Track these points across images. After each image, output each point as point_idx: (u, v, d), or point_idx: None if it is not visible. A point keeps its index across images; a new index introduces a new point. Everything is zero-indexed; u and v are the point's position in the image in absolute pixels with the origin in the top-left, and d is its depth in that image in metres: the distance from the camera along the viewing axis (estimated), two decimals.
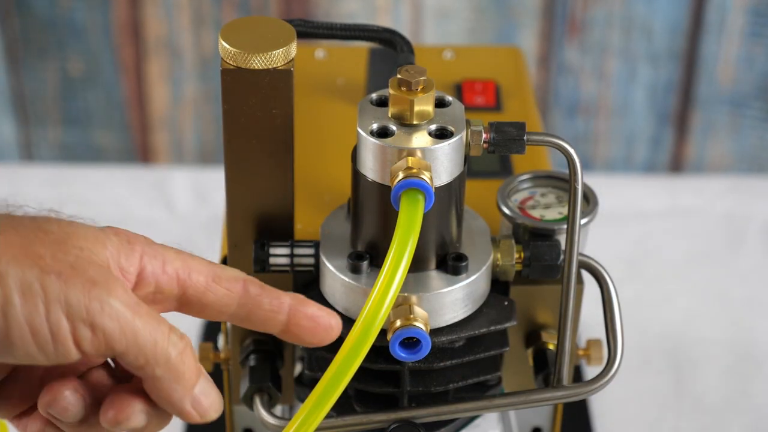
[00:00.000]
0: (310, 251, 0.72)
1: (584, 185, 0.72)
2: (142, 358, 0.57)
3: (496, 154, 0.68)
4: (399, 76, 0.66)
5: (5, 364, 0.60)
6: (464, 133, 0.67)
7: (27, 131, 1.33)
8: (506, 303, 0.73)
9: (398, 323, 0.67)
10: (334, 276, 0.70)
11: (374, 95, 0.69)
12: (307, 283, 0.74)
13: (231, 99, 0.68)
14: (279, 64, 0.67)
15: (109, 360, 0.62)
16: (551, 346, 0.76)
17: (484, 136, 0.67)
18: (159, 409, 0.60)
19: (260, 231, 0.73)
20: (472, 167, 0.79)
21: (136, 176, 1.30)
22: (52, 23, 1.26)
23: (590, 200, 0.76)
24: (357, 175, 0.68)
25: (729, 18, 1.26)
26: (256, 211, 0.73)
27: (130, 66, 1.29)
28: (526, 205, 0.77)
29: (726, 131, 1.33)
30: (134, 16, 1.26)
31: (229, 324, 0.77)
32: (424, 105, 0.66)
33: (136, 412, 0.59)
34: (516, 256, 0.73)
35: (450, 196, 0.68)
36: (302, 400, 0.75)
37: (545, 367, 0.75)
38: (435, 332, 0.70)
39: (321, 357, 0.72)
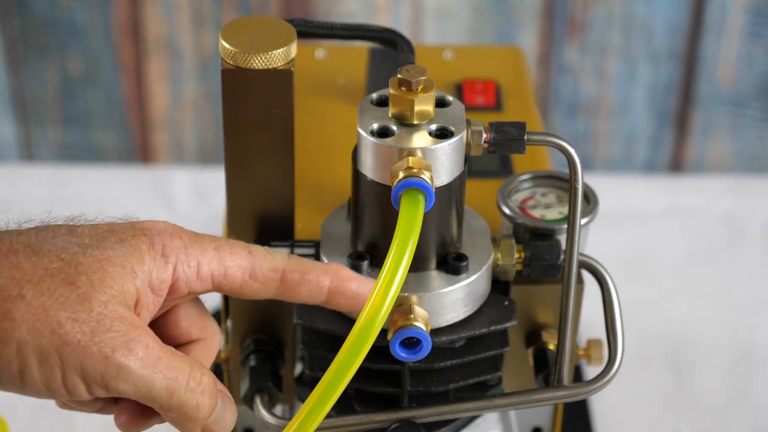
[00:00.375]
0: (311, 251, 0.72)
1: (584, 185, 0.72)
2: (156, 405, 0.59)
3: (497, 153, 0.68)
4: (399, 75, 0.66)
5: None
6: (464, 133, 0.67)
7: (27, 131, 1.33)
8: (506, 303, 0.73)
9: (399, 323, 0.67)
10: None
11: (375, 95, 0.69)
12: None
13: (231, 99, 0.68)
14: (279, 64, 0.67)
15: None
16: (551, 346, 0.76)
17: (484, 135, 0.67)
18: None
19: (260, 231, 0.73)
20: (472, 167, 0.79)
21: (136, 176, 1.30)
22: (52, 23, 1.26)
23: (590, 200, 0.76)
24: (357, 175, 0.68)
25: (729, 18, 1.26)
26: (256, 210, 0.73)
27: (130, 66, 1.29)
28: (527, 205, 0.77)
29: (726, 131, 1.33)
30: (134, 16, 1.26)
31: (229, 324, 0.77)
32: (424, 105, 0.66)
33: (146, 422, 0.61)
34: (516, 255, 0.72)
35: (450, 195, 0.68)
36: (303, 400, 0.75)
37: (545, 367, 0.75)
38: (435, 332, 0.70)
39: (321, 357, 0.72)
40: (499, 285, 0.74)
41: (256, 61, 0.67)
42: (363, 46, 0.92)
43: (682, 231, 1.24)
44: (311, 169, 0.82)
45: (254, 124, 0.69)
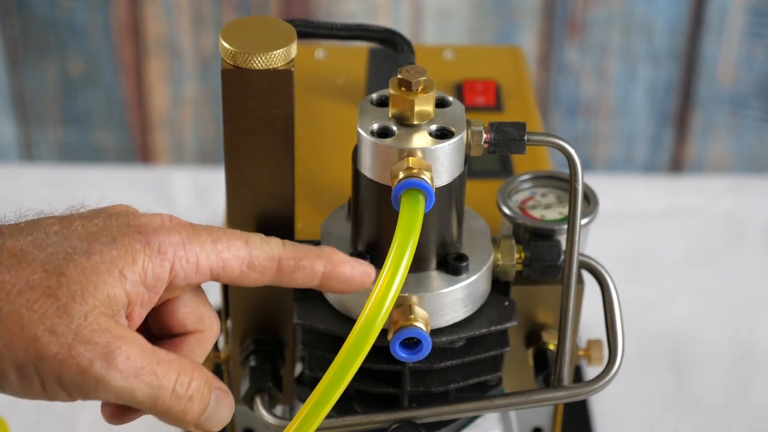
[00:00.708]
0: None
1: (585, 185, 0.72)
2: (142, 408, 0.59)
3: (497, 154, 0.68)
4: (399, 76, 0.66)
5: None
6: (465, 134, 0.67)
7: (27, 131, 1.33)
8: (507, 303, 0.73)
9: (399, 323, 0.67)
10: None
11: (375, 95, 0.69)
12: None
13: (231, 99, 0.68)
14: (279, 64, 0.67)
15: None
16: (552, 347, 0.76)
17: (484, 136, 0.67)
18: None
19: (260, 231, 0.73)
20: (472, 167, 0.79)
21: (136, 176, 1.30)
22: (52, 23, 1.26)
23: (591, 200, 0.76)
24: (357, 175, 0.68)
25: (729, 18, 1.26)
26: (256, 211, 0.73)
27: (130, 66, 1.29)
28: (527, 205, 0.77)
29: (726, 131, 1.33)
30: (134, 16, 1.26)
31: (229, 324, 0.77)
32: (424, 105, 0.66)
33: (131, 415, 0.61)
34: (516, 256, 0.72)
35: (450, 196, 0.68)
36: (303, 401, 0.74)
37: (546, 368, 0.75)
38: (435, 332, 0.70)
39: (321, 357, 0.72)
40: (499, 285, 0.74)
41: (257, 62, 0.67)
42: (363, 46, 0.92)
43: (682, 231, 1.24)
44: (311, 169, 0.82)
45: (254, 125, 0.69)
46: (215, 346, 0.80)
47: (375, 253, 0.69)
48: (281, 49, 0.67)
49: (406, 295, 0.68)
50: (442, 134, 0.66)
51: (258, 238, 0.63)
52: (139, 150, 1.34)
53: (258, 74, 0.67)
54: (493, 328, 0.72)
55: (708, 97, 1.31)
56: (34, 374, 0.57)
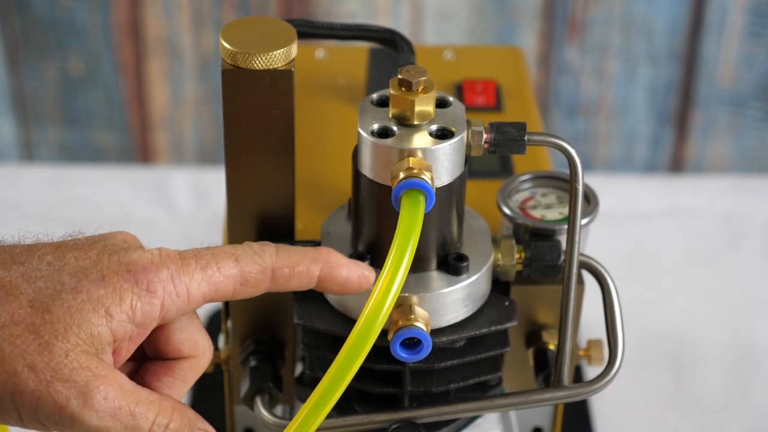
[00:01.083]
0: None
1: (585, 185, 0.72)
2: None
3: (497, 154, 0.68)
4: (400, 76, 0.66)
5: None
6: (465, 134, 0.67)
7: (27, 131, 1.33)
8: (507, 303, 0.73)
9: (399, 323, 0.67)
10: None
11: (375, 95, 0.69)
12: None
13: (232, 99, 0.68)
14: (280, 65, 0.67)
15: None
16: (552, 347, 0.76)
17: (484, 136, 0.67)
18: None
19: (261, 231, 0.73)
20: (472, 167, 0.79)
21: (136, 176, 1.30)
22: (52, 23, 1.26)
23: (591, 200, 0.76)
24: (358, 176, 0.68)
25: (729, 18, 1.26)
26: (256, 211, 0.73)
27: (130, 66, 1.29)
28: (527, 206, 0.77)
29: (726, 131, 1.33)
30: (134, 16, 1.26)
31: (229, 324, 0.77)
32: (424, 105, 0.66)
33: None
34: (517, 256, 0.72)
35: (451, 196, 0.68)
36: (303, 401, 0.75)
37: (546, 368, 0.75)
38: (436, 332, 0.70)
39: (322, 357, 0.72)
40: (499, 285, 0.74)
41: (257, 62, 0.67)
42: (363, 46, 0.92)
43: (682, 231, 1.24)
44: (311, 170, 0.82)
45: (255, 125, 0.69)
46: (215, 347, 0.80)
47: (375, 253, 0.69)
48: (282, 49, 0.67)
49: (407, 295, 0.68)
50: (443, 134, 0.66)
51: (249, 252, 0.63)
52: (139, 150, 1.34)
53: (258, 74, 0.67)
54: (493, 328, 0.72)
55: (708, 97, 1.31)
56: (12, 407, 0.57)
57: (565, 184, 0.78)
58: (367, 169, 0.67)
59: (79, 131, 1.33)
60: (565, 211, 0.76)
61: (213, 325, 1.07)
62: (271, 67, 0.67)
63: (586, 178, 0.70)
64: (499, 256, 0.72)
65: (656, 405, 1.04)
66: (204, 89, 1.30)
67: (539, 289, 0.76)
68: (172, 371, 0.64)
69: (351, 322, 0.68)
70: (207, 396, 0.99)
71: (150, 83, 1.30)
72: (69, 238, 0.62)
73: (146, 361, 0.64)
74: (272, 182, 0.72)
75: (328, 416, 0.63)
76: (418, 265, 0.69)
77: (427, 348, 0.67)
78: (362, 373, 0.67)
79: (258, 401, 0.74)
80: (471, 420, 0.77)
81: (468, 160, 0.68)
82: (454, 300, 0.70)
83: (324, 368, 0.71)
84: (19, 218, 1.22)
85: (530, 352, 0.77)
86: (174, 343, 0.63)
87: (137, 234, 0.64)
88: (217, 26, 1.27)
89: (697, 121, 1.32)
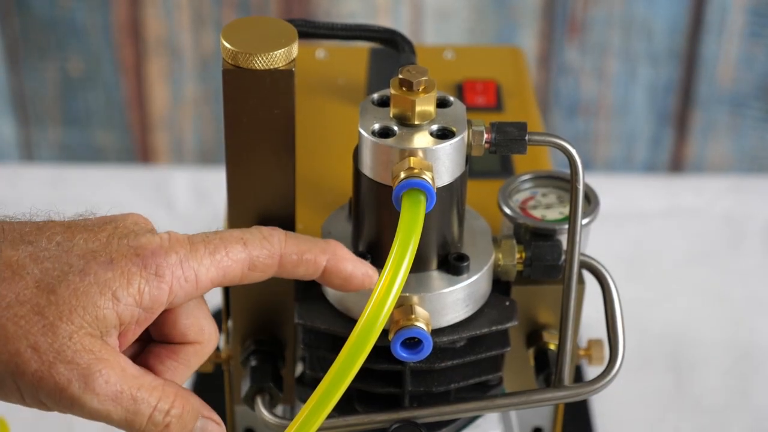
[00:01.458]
0: None
1: (585, 185, 0.72)
2: (119, 428, 0.60)
3: (498, 154, 0.68)
4: (400, 76, 0.66)
5: None
6: (466, 134, 0.67)
7: (27, 131, 1.33)
8: (507, 303, 0.73)
9: (400, 323, 0.67)
10: None
11: (376, 95, 0.69)
12: (308, 282, 0.74)
13: (232, 99, 0.68)
14: (280, 65, 0.67)
15: None
16: (552, 346, 0.76)
17: (485, 136, 0.67)
18: None
19: None
20: (473, 167, 0.79)
21: (136, 176, 1.30)
22: (52, 23, 1.26)
23: (591, 200, 0.76)
24: (358, 176, 0.68)
25: (729, 18, 1.26)
26: (257, 211, 0.73)
27: (130, 66, 1.29)
28: (528, 205, 0.77)
29: (726, 131, 1.33)
30: (134, 16, 1.26)
31: (230, 324, 0.77)
32: (425, 105, 0.66)
33: None
34: (517, 256, 0.72)
35: (451, 196, 0.68)
36: (304, 401, 0.74)
37: (546, 367, 0.75)
38: (436, 332, 0.70)
39: (322, 357, 0.72)
40: (500, 285, 0.74)
41: (258, 62, 0.67)
42: (364, 46, 0.92)
43: (682, 231, 1.24)
44: (312, 170, 0.82)
45: (255, 125, 0.69)
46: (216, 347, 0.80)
47: (376, 253, 0.69)
48: (282, 49, 0.67)
49: (407, 295, 0.68)
50: (443, 134, 0.66)
51: (258, 236, 0.63)
52: (139, 150, 1.34)
53: (259, 74, 0.67)
54: (493, 328, 0.72)
55: (708, 97, 1.31)
56: (14, 386, 0.58)
57: (565, 183, 0.78)
58: (367, 168, 0.67)
59: (79, 131, 1.33)
60: (566, 210, 0.76)
61: None
62: (272, 67, 0.67)
63: (586, 178, 0.70)
64: (500, 255, 0.72)
65: (656, 405, 1.04)
66: (204, 89, 1.30)
67: (540, 289, 0.76)
68: (176, 355, 0.64)
69: (352, 322, 0.68)
70: (207, 396, 0.99)
71: (150, 83, 1.30)
72: (80, 218, 0.62)
73: (151, 343, 0.64)
74: (273, 182, 0.72)
75: (329, 416, 0.63)
76: (418, 265, 0.69)
77: (427, 348, 0.67)
78: (363, 373, 0.66)
79: (259, 401, 0.74)
80: (471, 420, 0.77)
81: (469, 159, 0.68)
82: (454, 300, 0.70)
83: (325, 368, 0.71)
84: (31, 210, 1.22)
85: (531, 351, 0.77)
86: (180, 328, 0.63)
87: None
88: (217, 26, 1.27)
89: (697, 121, 1.32)
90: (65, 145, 1.33)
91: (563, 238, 0.73)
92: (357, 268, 0.64)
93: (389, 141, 0.66)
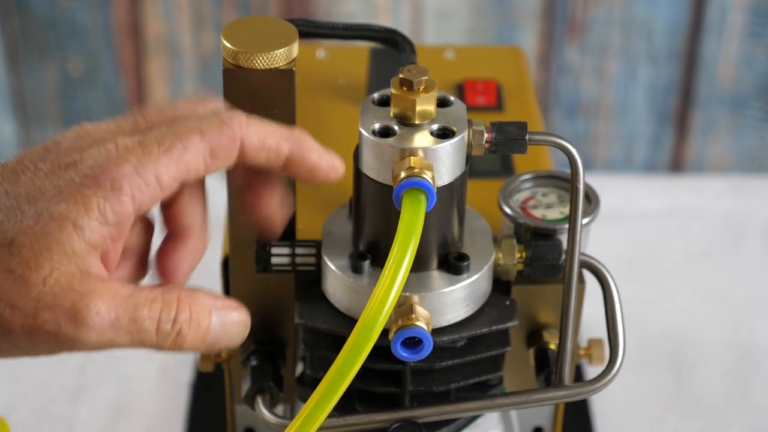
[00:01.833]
0: (312, 251, 0.72)
1: (586, 185, 0.72)
2: (131, 348, 0.58)
3: (498, 153, 0.68)
4: (401, 75, 0.66)
5: None
6: (466, 133, 0.67)
7: (27, 131, 1.33)
8: (508, 303, 0.73)
9: (400, 323, 0.67)
10: (336, 276, 0.70)
11: (376, 95, 0.69)
12: (309, 282, 0.74)
13: (233, 99, 0.68)
14: (281, 64, 0.67)
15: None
16: (553, 346, 0.76)
17: (485, 135, 0.67)
18: None
19: (262, 231, 0.73)
20: (473, 167, 0.79)
21: None
22: (52, 23, 1.26)
23: (592, 200, 0.76)
24: (359, 175, 0.68)
25: (729, 18, 1.26)
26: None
27: (130, 66, 1.29)
28: (528, 205, 0.77)
29: (726, 131, 1.33)
30: (134, 16, 1.26)
31: None
32: (426, 105, 0.66)
33: None
34: (517, 255, 0.72)
35: (452, 195, 0.68)
36: (304, 400, 0.75)
37: (547, 367, 0.75)
38: (436, 332, 0.70)
39: (323, 357, 0.73)
40: (500, 285, 0.74)
41: (258, 61, 0.67)
42: (364, 46, 0.92)
43: (682, 231, 1.24)
44: None
45: None
46: None
47: (376, 252, 0.69)
48: (283, 49, 0.67)
49: (408, 294, 0.68)
50: (444, 134, 0.66)
51: (215, 122, 0.61)
52: None
53: (260, 74, 0.67)
54: (494, 327, 0.72)
55: (708, 97, 1.31)
56: (10, 345, 0.56)
57: (565, 183, 0.78)
58: (368, 168, 0.67)
59: None
60: (566, 210, 0.76)
61: None
62: (272, 66, 0.67)
63: (586, 178, 0.70)
64: (500, 255, 0.72)
65: (656, 405, 1.04)
66: (204, 89, 1.30)
67: (540, 289, 0.76)
68: (176, 249, 0.64)
69: (352, 321, 0.68)
70: (207, 396, 1.00)
71: (150, 83, 1.30)
72: (25, 151, 0.60)
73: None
74: None
75: (330, 416, 0.63)
76: (418, 265, 0.69)
77: (427, 347, 0.67)
78: (363, 373, 0.66)
79: (259, 401, 0.74)
80: (472, 419, 0.77)
81: (469, 159, 0.68)
82: (454, 299, 0.70)
83: (325, 368, 0.71)
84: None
85: (531, 351, 0.77)
86: (185, 221, 0.64)
87: None
88: (217, 26, 1.27)
89: (697, 121, 1.32)
90: None
91: (563, 238, 0.73)
92: (322, 158, 0.63)
93: (390, 140, 0.66)
